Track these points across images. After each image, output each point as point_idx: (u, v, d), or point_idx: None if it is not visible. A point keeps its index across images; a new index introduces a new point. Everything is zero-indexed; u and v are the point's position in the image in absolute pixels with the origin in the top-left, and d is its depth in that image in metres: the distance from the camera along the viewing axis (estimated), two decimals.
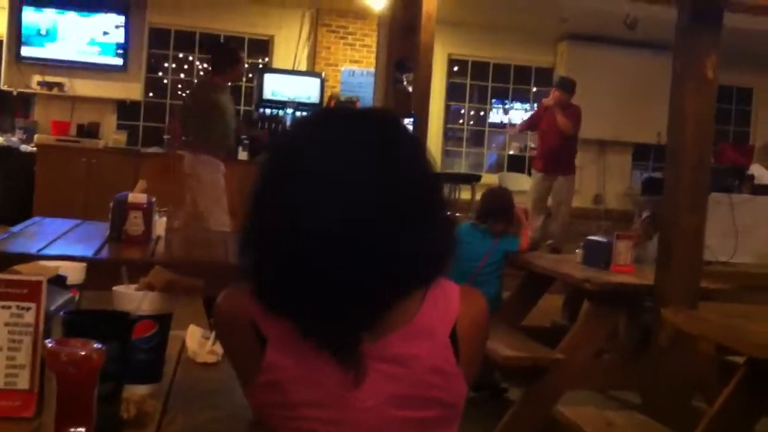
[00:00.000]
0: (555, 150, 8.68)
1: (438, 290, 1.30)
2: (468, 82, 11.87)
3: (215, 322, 1.37)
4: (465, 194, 9.50)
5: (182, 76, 11.15)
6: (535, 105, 10.47)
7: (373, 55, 10.21)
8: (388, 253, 1.22)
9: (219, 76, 6.53)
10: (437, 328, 1.28)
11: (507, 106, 12.13)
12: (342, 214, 1.20)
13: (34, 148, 9.36)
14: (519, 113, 12.01)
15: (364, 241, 1.21)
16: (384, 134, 1.30)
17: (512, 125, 10.13)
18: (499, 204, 4.96)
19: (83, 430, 1.01)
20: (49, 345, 1.04)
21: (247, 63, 11.21)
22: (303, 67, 10.93)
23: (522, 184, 11.41)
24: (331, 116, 1.37)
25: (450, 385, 1.28)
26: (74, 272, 1.63)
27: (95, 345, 1.04)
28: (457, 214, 8.91)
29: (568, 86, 8.82)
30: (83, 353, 1.02)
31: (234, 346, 1.35)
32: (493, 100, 12.05)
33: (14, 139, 9.72)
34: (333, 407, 1.24)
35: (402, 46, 8.04)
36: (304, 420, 1.24)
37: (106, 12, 10.13)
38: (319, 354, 1.23)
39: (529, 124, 9.24)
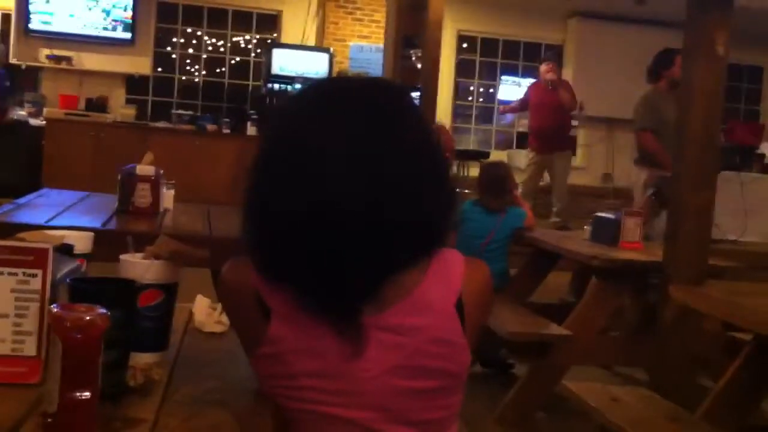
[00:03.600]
0: (552, 127, 8.60)
1: (441, 261, 1.30)
2: (477, 58, 11.83)
3: (220, 294, 1.38)
4: (474, 171, 9.49)
5: (190, 51, 11.13)
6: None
7: (382, 31, 10.16)
8: (388, 223, 1.21)
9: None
10: (440, 299, 1.28)
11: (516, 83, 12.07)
12: (342, 187, 1.20)
13: (43, 122, 9.38)
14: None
15: (365, 212, 1.20)
16: (384, 105, 1.29)
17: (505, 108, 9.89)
18: (495, 178, 4.90)
19: (88, 394, 1.02)
20: (54, 310, 1.04)
21: (255, 38, 11.20)
22: (311, 43, 10.90)
23: None
24: (330, 88, 1.35)
25: (455, 355, 1.28)
26: (81, 241, 1.63)
27: (100, 310, 1.05)
28: (466, 191, 8.90)
29: (553, 57, 8.79)
30: (88, 318, 1.02)
31: (238, 317, 1.35)
32: (502, 77, 12.00)
33: (23, 112, 9.73)
34: (336, 378, 1.24)
35: (411, 21, 8.00)
36: (308, 390, 1.25)
37: None
38: (321, 325, 1.24)
39: (522, 106, 9.09)
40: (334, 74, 10.42)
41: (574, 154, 9.59)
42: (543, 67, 8.69)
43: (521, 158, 11.23)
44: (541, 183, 8.96)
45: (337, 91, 1.32)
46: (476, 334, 1.34)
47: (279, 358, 1.26)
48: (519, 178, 8.62)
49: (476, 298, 1.31)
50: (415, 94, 7.17)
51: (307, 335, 1.24)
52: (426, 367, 1.26)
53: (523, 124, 12.02)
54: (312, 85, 1.35)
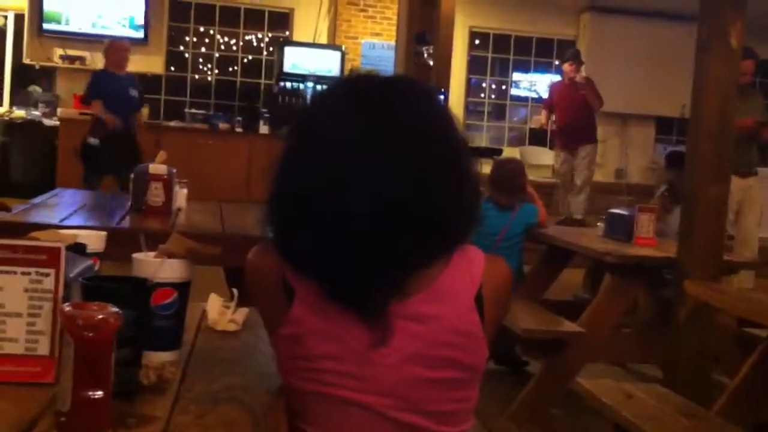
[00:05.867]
0: (576, 124, 8.60)
1: (463, 256, 1.32)
2: (489, 54, 11.79)
3: (246, 275, 1.39)
4: (486, 168, 9.46)
5: (203, 49, 11.15)
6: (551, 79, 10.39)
7: (394, 28, 10.14)
8: (416, 218, 1.24)
9: None
10: (461, 291, 1.30)
11: (529, 79, 12.03)
12: (371, 181, 1.22)
13: (57, 122, 9.41)
14: (542, 86, 11.92)
15: (393, 207, 1.22)
16: (411, 102, 1.31)
17: (540, 114, 9.66)
18: (507, 175, 4.85)
19: (101, 393, 1.02)
20: (66, 309, 1.04)
21: (268, 36, 11.21)
22: (323, 40, 10.89)
23: (544, 158, 11.36)
24: (358, 85, 1.36)
25: (473, 347, 1.30)
26: (94, 240, 1.64)
27: (112, 309, 1.05)
28: (480, 189, 8.85)
29: (580, 58, 8.76)
30: (100, 317, 1.02)
31: (263, 297, 1.38)
32: (515, 73, 11.96)
33: (37, 112, 9.77)
34: (354, 362, 1.26)
35: (422, 18, 7.99)
36: (324, 373, 1.27)
37: None
38: (344, 311, 1.26)
39: (550, 106, 9.03)
40: (346, 72, 10.41)
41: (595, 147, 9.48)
42: (566, 67, 8.68)
43: (535, 155, 11.21)
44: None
45: (362, 87, 1.34)
46: (493, 330, 1.35)
47: (299, 339, 1.28)
48: (533, 174, 8.61)
49: (496, 294, 1.33)
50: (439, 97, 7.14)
51: (329, 319, 1.26)
52: (444, 357, 1.28)
53: (536, 121, 11.98)
54: (337, 83, 1.38)
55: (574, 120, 8.58)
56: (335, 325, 1.26)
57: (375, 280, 1.24)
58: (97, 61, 10.09)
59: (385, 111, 1.27)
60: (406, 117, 1.27)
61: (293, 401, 1.32)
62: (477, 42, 11.68)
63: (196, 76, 11.12)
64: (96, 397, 1.02)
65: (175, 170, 3.42)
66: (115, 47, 7.73)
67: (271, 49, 11.13)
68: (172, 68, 10.94)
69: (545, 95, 11.63)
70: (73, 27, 10.00)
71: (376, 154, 1.23)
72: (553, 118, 8.92)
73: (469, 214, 1.33)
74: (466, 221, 1.32)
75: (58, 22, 9.96)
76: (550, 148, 11.49)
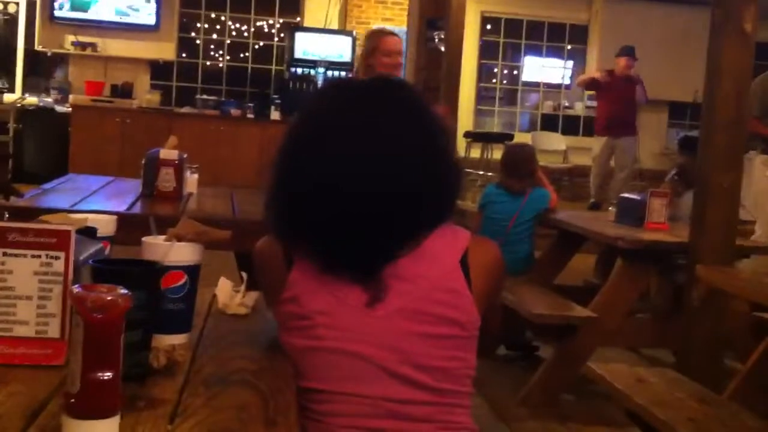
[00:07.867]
0: (621, 117, 8.82)
1: (449, 229, 1.46)
2: (501, 39, 11.74)
3: (254, 256, 1.53)
4: (497, 153, 9.44)
5: (214, 36, 11.14)
6: (571, 64, 10.34)
7: (405, 13, 10.11)
8: (405, 197, 1.38)
9: None
10: (444, 252, 1.43)
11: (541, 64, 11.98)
12: (367, 166, 1.37)
13: (69, 109, 9.44)
14: (553, 71, 11.88)
15: (386, 188, 1.37)
16: (401, 98, 1.47)
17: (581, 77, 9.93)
18: (518, 160, 4.82)
19: (110, 374, 1.02)
20: (76, 290, 1.04)
21: (279, 22, 11.19)
22: (335, 26, 10.86)
23: (555, 143, 11.32)
24: (353, 84, 1.54)
25: (461, 305, 1.40)
26: (104, 224, 1.64)
27: (121, 290, 1.05)
28: (490, 174, 8.86)
29: (634, 53, 8.88)
30: (109, 298, 1.02)
31: (267, 271, 1.51)
32: (526, 57, 11.90)
33: (49, 99, 9.80)
34: (345, 316, 1.38)
35: (434, 3, 7.96)
36: (319, 327, 1.39)
37: None
38: (340, 275, 1.39)
39: (590, 85, 9.22)
40: (357, 57, 10.38)
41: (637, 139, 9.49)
42: (623, 61, 8.77)
43: (547, 140, 11.18)
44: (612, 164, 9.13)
45: (357, 85, 1.52)
46: (484, 303, 1.45)
47: (296, 300, 1.41)
48: (545, 160, 8.60)
49: (482, 264, 1.44)
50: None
51: (324, 281, 1.39)
52: (432, 312, 1.39)
53: (548, 106, 11.94)
54: (335, 82, 1.60)
55: (619, 113, 8.81)
56: (329, 286, 1.39)
57: (369, 253, 1.38)
58: (108, 47, 10.12)
59: (378, 105, 1.43)
60: (397, 110, 1.43)
61: (293, 362, 1.42)
62: (488, 27, 11.63)
63: (208, 63, 11.12)
64: (105, 378, 1.02)
65: (185, 155, 3.42)
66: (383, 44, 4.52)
67: (282, 35, 11.12)
68: (184, 54, 10.94)
69: (557, 81, 11.65)
70: (85, 14, 10.01)
71: (371, 142, 1.38)
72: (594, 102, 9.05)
73: (452, 192, 1.48)
74: (449, 198, 1.47)
75: (85, 10, 9.95)
76: (562, 133, 11.48)
